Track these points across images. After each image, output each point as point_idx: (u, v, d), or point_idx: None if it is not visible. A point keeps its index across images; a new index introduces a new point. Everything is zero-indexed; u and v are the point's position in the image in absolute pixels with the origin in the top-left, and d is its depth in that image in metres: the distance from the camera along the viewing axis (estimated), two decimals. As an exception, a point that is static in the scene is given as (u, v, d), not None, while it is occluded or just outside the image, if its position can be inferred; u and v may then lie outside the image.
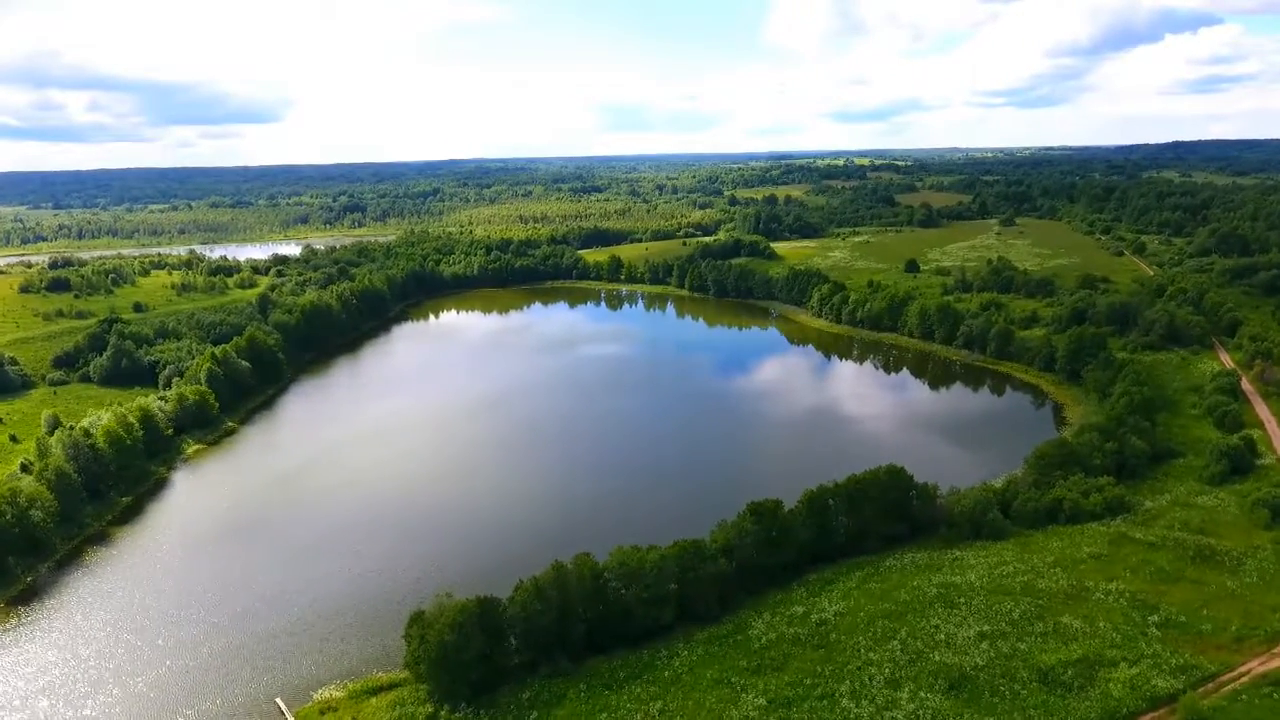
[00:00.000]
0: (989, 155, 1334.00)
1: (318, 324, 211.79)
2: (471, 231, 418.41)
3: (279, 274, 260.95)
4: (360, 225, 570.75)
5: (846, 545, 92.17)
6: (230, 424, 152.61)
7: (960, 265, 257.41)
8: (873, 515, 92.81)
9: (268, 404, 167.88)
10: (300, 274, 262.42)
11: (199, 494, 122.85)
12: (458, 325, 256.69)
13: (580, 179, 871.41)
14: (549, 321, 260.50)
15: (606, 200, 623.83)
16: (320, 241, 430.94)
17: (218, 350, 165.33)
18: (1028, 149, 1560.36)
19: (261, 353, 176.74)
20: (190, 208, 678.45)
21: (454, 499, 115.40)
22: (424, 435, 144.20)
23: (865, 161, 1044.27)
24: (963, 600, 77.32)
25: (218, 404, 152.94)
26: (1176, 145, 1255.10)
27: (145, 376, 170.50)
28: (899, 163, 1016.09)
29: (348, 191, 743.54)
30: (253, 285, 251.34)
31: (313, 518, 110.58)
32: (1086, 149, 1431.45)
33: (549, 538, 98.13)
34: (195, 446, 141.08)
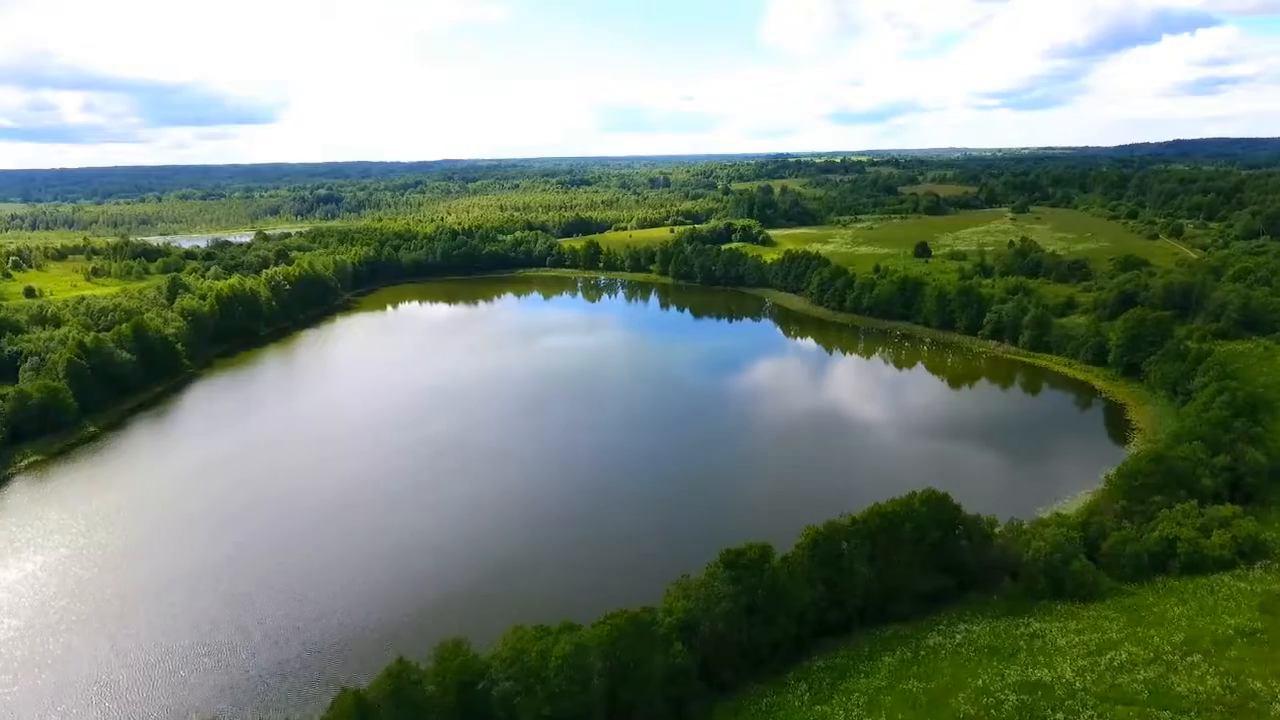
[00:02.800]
0: (988, 154, 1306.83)
1: (238, 312, 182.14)
2: (444, 220, 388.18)
3: (208, 257, 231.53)
4: (333, 217, 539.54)
5: (868, 609, 62.83)
6: (91, 428, 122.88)
7: (978, 249, 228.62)
8: (905, 564, 63.56)
9: (153, 403, 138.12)
10: (234, 258, 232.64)
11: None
12: (408, 317, 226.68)
13: (571, 174, 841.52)
14: (513, 314, 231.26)
15: (595, 192, 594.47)
16: (284, 232, 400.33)
17: (88, 339, 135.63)
18: (1027, 149, 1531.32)
19: (151, 342, 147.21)
20: (159, 200, 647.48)
21: (304, 557, 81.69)
22: (312, 455, 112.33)
23: (864, 159, 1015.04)
24: (1061, 717, 48.10)
25: (78, 403, 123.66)
26: (1178, 143, 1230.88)
27: (7, 371, 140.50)
28: (898, 159, 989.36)
29: (325, 185, 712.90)
30: (179, 270, 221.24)
31: (107, 579, 79.45)
32: (1086, 149, 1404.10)
33: (422, 613, 68.84)
34: (33, 458, 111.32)
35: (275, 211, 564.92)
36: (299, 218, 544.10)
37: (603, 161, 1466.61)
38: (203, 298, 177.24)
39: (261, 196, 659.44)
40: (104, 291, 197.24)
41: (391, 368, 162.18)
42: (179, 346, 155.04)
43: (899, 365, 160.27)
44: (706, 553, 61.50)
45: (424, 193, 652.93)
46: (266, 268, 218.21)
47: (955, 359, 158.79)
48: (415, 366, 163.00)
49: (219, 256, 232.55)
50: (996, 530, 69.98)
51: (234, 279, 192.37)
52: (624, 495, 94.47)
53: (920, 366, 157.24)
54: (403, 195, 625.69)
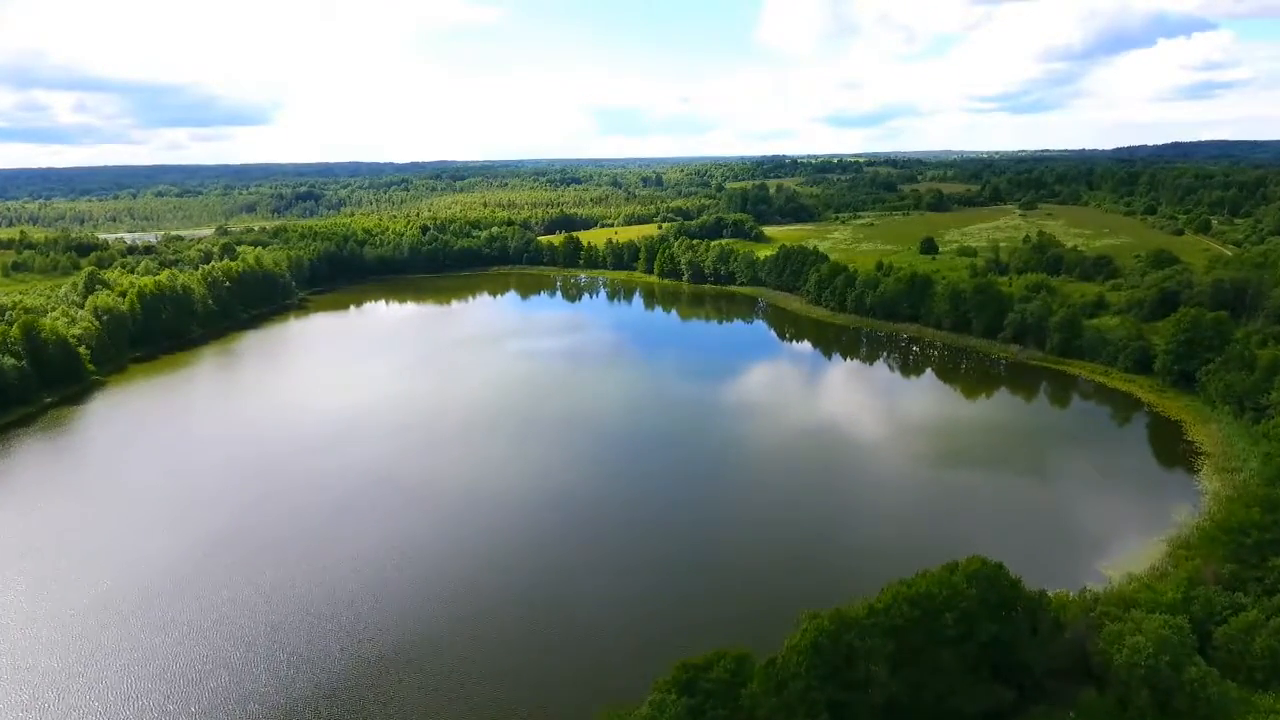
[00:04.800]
0: (985, 156, 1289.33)
1: (165, 311, 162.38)
2: (418, 215, 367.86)
3: (147, 251, 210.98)
4: (311, 215, 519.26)
5: (892, 740, 42.97)
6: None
7: (990, 245, 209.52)
8: (947, 672, 43.80)
9: (39, 416, 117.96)
10: (175, 252, 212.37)
11: None
12: (367, 317, 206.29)
13: (563, 173, 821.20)
14: (482, 314, 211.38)
15: (584, 190, 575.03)
16: (248, 228, 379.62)
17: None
18: (1023, 152, 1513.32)
19: (45, 346, 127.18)
20: (133, 197, 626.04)
21: (125, 641, 60.90)
22: (192, 490, 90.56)
23: (861, 160, 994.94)
24: None
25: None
26: (1177, 146, 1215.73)
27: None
28: (896, 160, 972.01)
29: (307, 183, 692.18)
30: (109, 265, 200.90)
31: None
32: (1083, 152, 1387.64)
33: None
34: None
35: (252, 209, 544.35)
36: (276, 215, 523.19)
37: (598, 163, 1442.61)
38: (122, 295, 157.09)
39: (241, 194, 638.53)
40: (19, 288, 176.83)
41: (328, 377, 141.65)
42: (82, 350, 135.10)
43: (906, 373, 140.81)
44: (662, 655, 41.80)
45: (408, 190, 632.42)
46: (209, 263, 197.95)
47: (971, 366, 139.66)
48: (355, 376, 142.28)
49: (160, 251, 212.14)
50: (1061, 600, 50.37)
51: (164, 274, 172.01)
52: (558, 563, 71.43)
53: (931, 375, 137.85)
54: (385, 193, 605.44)
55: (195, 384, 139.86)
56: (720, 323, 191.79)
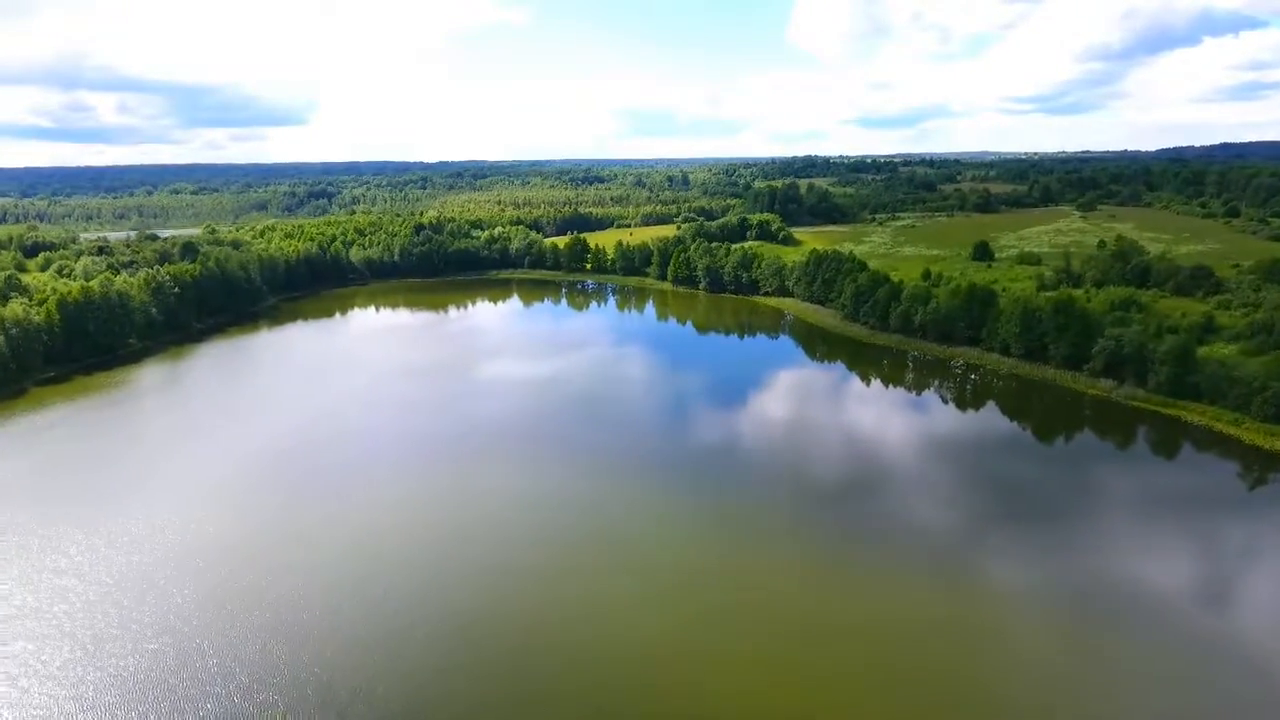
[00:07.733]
0: (1024, 157, 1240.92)
1: (93, 321, 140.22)
2: (421, 215, 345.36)
3: (100, 251, 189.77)
4: (323, 214, 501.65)
5: None
6: None
7: (1058, 250, 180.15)
8: None
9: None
10: (135, 252, 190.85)
11: None
12: (333, 330, 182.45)
13: (587, 172, 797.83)
14: (466, 331, 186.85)
15: (605, 189, 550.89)
16: (241, 225, 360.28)
17: None
18: (1063, 153, 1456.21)
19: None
20: (149, 194, 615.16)
21: None
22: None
23: (896, 161, 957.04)
24: None
25: None
26: (1228, 146, 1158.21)
27: None
28: (932, 161, 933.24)
29: (323, 181, 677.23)
30: (45, 269, 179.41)
31: None
32: (1126, 153, 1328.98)
33: None
34: None
35: (263, 207, 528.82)
36: (287, 214, 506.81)
37: (626, 164, 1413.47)
38: (40, 303, 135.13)
39: (255, 192, 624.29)
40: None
41: (253, 411, 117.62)
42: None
43: (960, 405, 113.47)
44: None
45: (425, 189, 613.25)
46: (167, 263, 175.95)
47: (1047, 405, 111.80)
48: (293, 409, 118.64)
49: (116, 252, 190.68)
50: None
51: (97, 279, 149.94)
52: None
53: (988, 407, 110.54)
54: (402, 191, 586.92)
55: (103, 414, 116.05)
56: (741, 337, 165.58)
